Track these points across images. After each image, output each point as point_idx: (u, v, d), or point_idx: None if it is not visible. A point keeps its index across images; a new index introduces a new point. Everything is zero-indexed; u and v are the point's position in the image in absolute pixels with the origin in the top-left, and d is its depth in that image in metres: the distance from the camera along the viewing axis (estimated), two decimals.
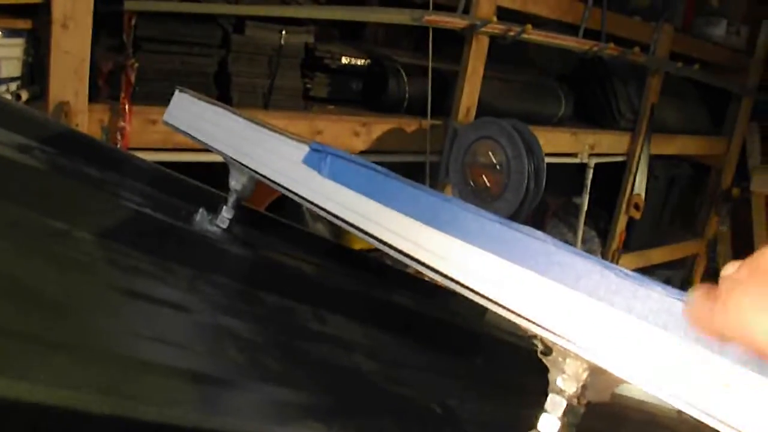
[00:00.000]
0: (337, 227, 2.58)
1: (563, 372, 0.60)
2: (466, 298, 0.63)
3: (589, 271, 0.54)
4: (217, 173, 1.18)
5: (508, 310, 0.58)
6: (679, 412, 0.55)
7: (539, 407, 0.61)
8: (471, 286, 0.61)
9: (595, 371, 0.59)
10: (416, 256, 0.67)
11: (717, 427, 0.47)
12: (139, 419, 0.52)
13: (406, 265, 0.68)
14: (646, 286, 0.51)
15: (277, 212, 1.17)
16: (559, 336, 0.55)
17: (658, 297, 0.51)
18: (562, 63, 3.50)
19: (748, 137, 4.61)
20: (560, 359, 0.60)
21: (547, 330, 0.56)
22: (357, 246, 2.17)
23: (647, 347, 0.50)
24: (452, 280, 0.63)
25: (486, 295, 0.60)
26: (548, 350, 0.62)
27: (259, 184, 0.96)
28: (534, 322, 0.56)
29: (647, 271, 3.85)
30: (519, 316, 0.58)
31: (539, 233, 0.59)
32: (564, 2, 2.96)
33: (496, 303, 0.59)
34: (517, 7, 2.75)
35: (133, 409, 0.51)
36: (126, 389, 0.54)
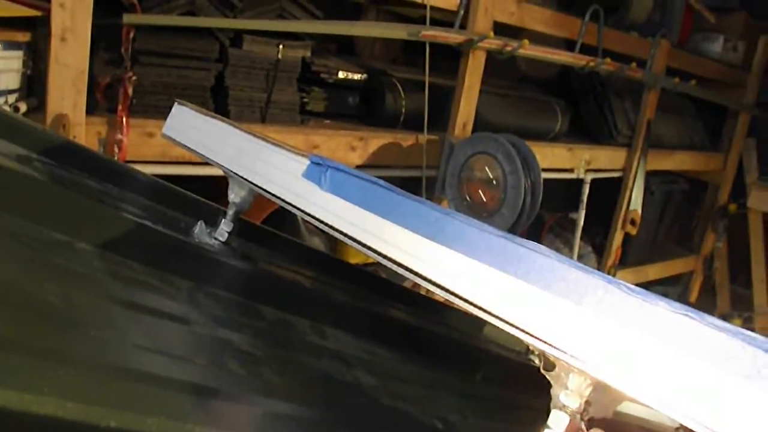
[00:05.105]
0: (333, 242, 2.55)
1: (566, 387, 0.60)
2: (464, 313, 0.62)
3: (593, 286, 0.54)
4: (213, 188, 1.18)
5: (512, 325, 0.58)
6: (678, 429, 0.55)
7: (540, 424, 0.61)
8: (474, 301, 0.61)
9: (599, 387, 0.59)
10: (417, 270, 0.66)
11: None
12: None
13: (403, 280, 0.68)
14: (650, 302, 0.51)
15: (274, 227, 1.17)
16: (563, 351, 0.55)
17: (662, 312, 0.50)
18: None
19: (745, 153, 4.62)
20: (563, 375, 0.60)
21: (551, 345, 0.55)
22: (354, 260, 2.17)
23: (652, 362, 0.50)
24: (454, 294, 0.63)
25: (490, 310, 0.60)
26: (550, 365, 0.61)
27: (257, 198, 0.96)
28: (538, 338, 0.56)
29: (643, 288, 3.84)
30: (523, 331, 0.57)
31: (543, 248, 0.59)
32: (560, 17, 2.97)
33: (499, 318, 0.59)
34: (514, 22, 2.75)
35: (137, 422, 0.51)
36: (128, 401, 0.54)
